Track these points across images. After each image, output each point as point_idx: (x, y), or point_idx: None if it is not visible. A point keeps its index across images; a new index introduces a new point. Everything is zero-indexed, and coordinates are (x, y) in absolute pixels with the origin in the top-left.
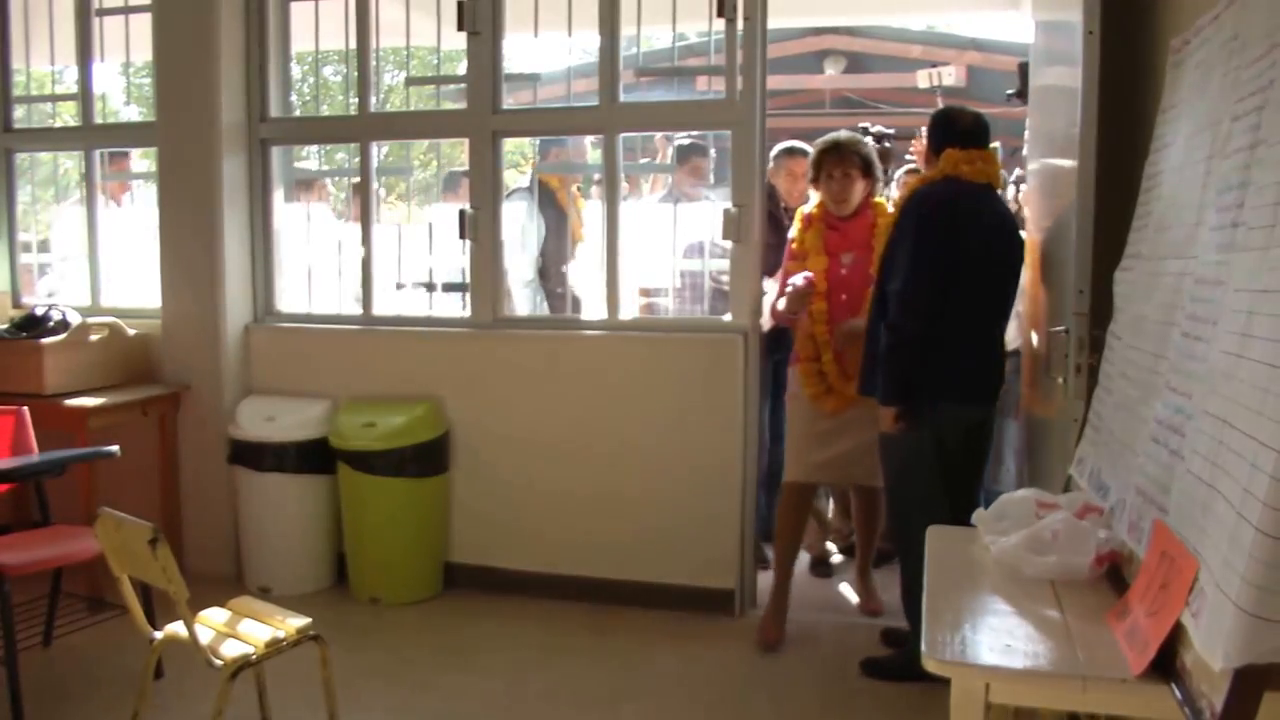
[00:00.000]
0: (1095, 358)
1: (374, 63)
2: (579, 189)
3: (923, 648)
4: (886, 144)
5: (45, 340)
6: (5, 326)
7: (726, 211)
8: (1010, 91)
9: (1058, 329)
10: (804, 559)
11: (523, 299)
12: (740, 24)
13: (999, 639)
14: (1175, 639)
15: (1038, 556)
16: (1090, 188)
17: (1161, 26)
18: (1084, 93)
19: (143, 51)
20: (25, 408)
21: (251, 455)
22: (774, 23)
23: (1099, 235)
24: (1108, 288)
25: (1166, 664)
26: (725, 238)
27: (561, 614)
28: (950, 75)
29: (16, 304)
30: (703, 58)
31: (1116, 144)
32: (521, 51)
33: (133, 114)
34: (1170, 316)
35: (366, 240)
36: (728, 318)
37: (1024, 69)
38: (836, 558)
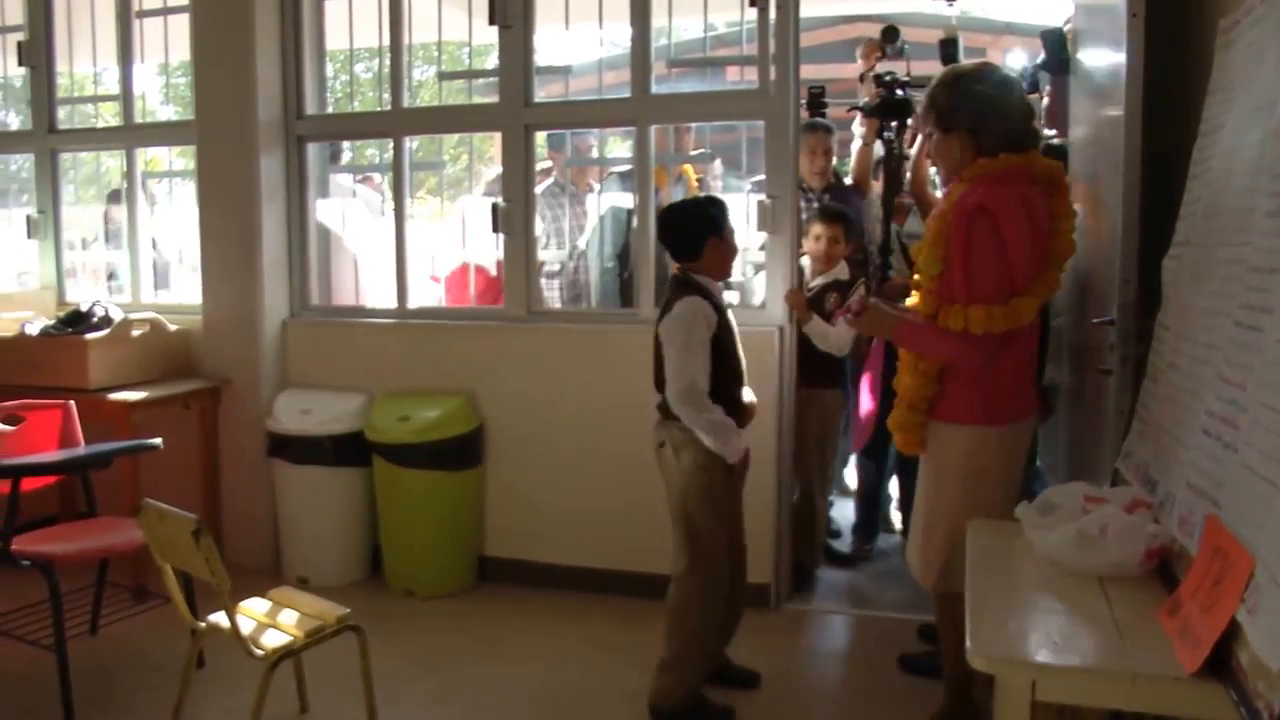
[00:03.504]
0: (1142, 349)
1: (406, 58)
2: (699, 179)
3: (968, 644)
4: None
5: (90, 336)
6: (51, 323)
7: (760, 203)
8: (1035, 63)
9: (1104, 320)
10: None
11: (601, 286)
12: (773, 13)
13: (1046, 635)
14: (1230, 637)
15: (1086, 551)
16: (1135, 174)
17: (1208, 7)
18: (1128, 76)
19: (179, 52)
20: (72, 402)
21: (289, 448)
22: (805, 11)
23: (1145, 223)
24: (1155, 277)
25: (1220, 662)
26: (760, 229)
27: (595, 607)
28: None
29: (62, 301)
30: (732, 48)
31: (1162, 129)
32: (552, 44)
33: (169, 113)
34: (1222, 305)
35: (400, 233)
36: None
37: (1050, 38)
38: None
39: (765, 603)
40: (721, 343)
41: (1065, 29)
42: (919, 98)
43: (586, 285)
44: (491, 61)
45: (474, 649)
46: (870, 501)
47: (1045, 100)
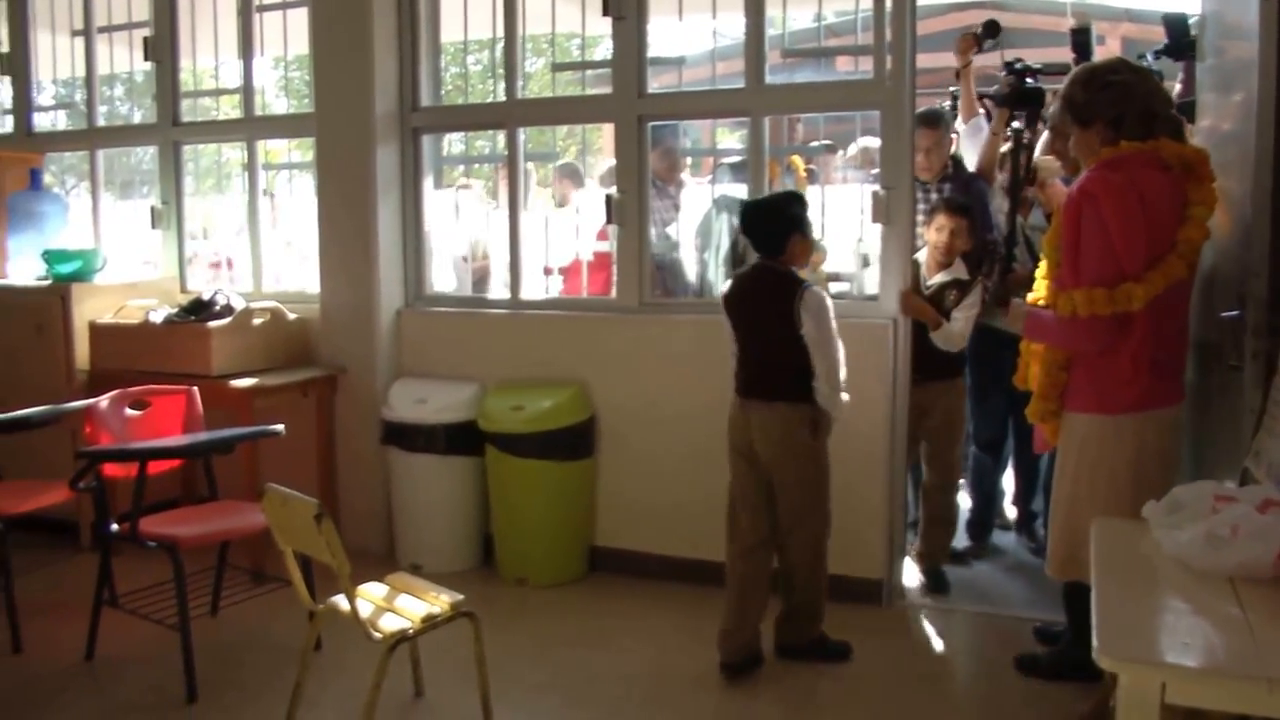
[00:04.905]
0: (1273, 344)
1: (520, 50)
2: (806, 171)
3: (1094, 644)
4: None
5: (212, 324)
6: (175, 310)
7: (875, 194)
8: (1157, 49)
9: (1231, 314)
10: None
11: (714, 276)
12: (889, 1)
13: (1175, 637)
14: None
15: (1216, 552)
16: (1268, 165)
17: None
18: (1261, 63)
19: (297, 46)
20: (195, 388)
21: (403, 436)
22: None
23: (1277, 215)
24: None
25: None
26: (874, 221)
27: (705, 600)
28: None
29: (184, 289)
30: (842, 38)
31: None
32: (665, 35)
33: (283, 106)
34: None
35: (514, 224)
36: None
37: (1172, 23)
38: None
39: (877, 599)
40: None
41: (1192, 17)
42: (1051, 87)
43: (680, 276)
44: (602, 53)
45: (584, 638)
46: (985, 497)
47: (1178, 88)
